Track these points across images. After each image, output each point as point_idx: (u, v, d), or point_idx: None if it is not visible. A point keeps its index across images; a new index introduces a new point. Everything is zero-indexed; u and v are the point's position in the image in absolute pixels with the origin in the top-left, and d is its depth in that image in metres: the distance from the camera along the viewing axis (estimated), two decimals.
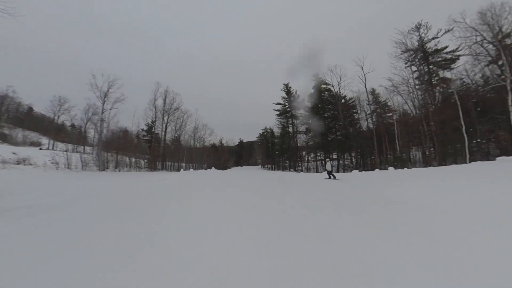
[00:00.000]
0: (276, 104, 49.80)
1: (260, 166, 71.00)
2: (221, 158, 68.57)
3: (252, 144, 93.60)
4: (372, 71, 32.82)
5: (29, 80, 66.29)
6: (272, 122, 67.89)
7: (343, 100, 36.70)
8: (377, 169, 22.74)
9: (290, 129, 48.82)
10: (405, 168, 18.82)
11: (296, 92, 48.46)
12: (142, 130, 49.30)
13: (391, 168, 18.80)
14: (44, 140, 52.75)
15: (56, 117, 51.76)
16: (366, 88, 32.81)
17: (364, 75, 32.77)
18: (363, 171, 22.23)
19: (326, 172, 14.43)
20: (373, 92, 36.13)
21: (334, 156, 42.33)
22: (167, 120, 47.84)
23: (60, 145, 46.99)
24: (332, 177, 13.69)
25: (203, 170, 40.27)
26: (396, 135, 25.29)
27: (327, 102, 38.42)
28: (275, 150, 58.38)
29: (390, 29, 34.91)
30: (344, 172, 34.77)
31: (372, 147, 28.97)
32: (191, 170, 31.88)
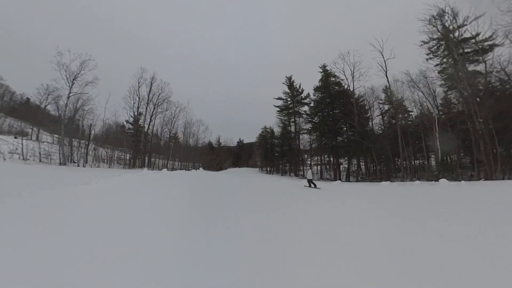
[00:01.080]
0: (277, 99, 44.13)
1: (258, 168, 64.94)
2: (217, 158, 63.06)
3: (252, 145, 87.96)
4: (394, 57, 27.04)
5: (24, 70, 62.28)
6: (274, 121, 63.22)
7: (357, 94, 30.79)
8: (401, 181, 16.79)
9: (292, 128, 43.01)
10: (462, 181, 12.82)
11: (300, 86, 42.78)
12: (127, 122, 44.14)
13: (443, 181, 12.89)
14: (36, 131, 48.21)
15: (42, 106, 46.77)
16: (387, 77, 26.96)
17: (385, 61, 26.97)
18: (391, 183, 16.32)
19: (306, 180, 13.46)
20: (386, 89, 30.32)
21: (334, 160, 36.41)
22: (153, 111, 42.51)
23: (50, 136, 41.95)
24: (312, 185, 12.98)
25: (183, 170, 34.65)
26: (436, 134, 19.37)
27: (337, 96, 32.57)
28: (274, 152, 52.56)
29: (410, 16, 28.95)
30: (352, 181, 28.67)
31: (393, 151, 23.12)
32: (176, 170, 26.78)
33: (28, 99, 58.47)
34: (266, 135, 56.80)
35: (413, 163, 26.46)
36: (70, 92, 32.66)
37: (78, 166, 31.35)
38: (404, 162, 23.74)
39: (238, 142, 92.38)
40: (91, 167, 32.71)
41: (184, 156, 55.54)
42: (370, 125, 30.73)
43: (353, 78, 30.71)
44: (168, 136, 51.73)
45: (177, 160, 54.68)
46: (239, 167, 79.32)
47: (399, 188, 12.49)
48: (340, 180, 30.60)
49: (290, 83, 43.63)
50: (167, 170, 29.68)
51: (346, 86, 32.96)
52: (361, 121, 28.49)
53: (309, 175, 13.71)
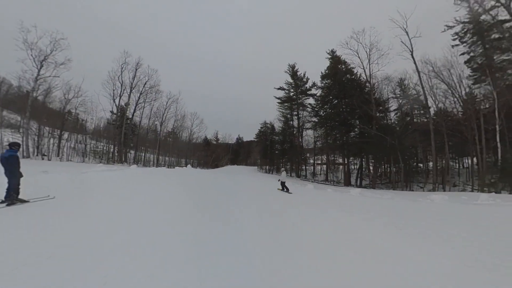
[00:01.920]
0: (278, 89, 39.15)
1: (257, 167, 59.99)
2: (212, 155, 58.48)
3: (252, 143, 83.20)
4: (420, 36, 22.13)
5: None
6: (275, 116, 57.39)
7: (374, 81, 25.72)
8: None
9: (295, 123, 38.11)
10: None
11: (305, 75, 37.78)
12: (112, 112, 39.46)
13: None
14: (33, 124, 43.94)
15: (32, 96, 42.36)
16: (413, 58, 22.06)
17: (410, 39, 22.06)
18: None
19: (280, 182, 11.69)
20: (401, 82, 25.37)
21: (345, 160, 31.58)
22: (138, 100, 37.84)
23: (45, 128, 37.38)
24: (285, 189, 11.37)
25: (164, 168, 30.18)
26: (497, 127, 14.55)
27: (349, 83, 27.60)
28: (274, 149, 47.75)
29: None
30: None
31: (424, 150, 18.30)
32: (162, 166, 22.33)
33: (28, 92, 53.99)
34: (266, 131, 51.94)
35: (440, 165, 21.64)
36: (38, 75, 28.19)
37: (48, 159, 26.94)
38: (439, 164, 18.86)
39: (237, 139, 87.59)
40: (60, 160, 28.31)
41: (176, 151, 50.97)
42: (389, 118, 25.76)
43: (369, 61, 25.75)
44: (159, 129, 47.13)
45: (167, 155, 50.12)
46: (237, 165, 74.46)
47: (479, 211, 7.73)
48: (355, 185, 25.75)
49: (293, 72, 38.67)
50: (137, 166, 25.08)
51: (359, 73, 28.03)
52: (380, 112, 23.52)
53: (282, 177, 12.10)
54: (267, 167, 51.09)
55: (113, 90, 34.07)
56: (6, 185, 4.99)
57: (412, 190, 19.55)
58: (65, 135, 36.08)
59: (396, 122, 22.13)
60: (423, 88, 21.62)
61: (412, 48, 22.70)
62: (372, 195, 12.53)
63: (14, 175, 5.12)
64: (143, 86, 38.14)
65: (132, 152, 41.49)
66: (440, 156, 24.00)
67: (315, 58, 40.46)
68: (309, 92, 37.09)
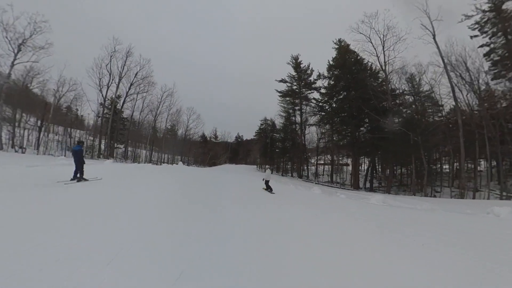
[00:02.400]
0: (280, 81, 36.21)
1: (256, 166, 57.10)
2: (209, 152, 55.78)
3: (251, 141, 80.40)
4: (441, 19, 19.35)
5: None
6: (276, 111, 53.05)
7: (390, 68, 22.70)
8: None
9: (298, 119, 35.28)
10: None
11: (309, 67, 34.86)
12: (101, 104, 36.64)
13: None
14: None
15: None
16: (436, 42, 19.31)
17: (431, 22, 19.28)
18: None
19: (264, 181, 10.74)
20: (411, 78, 22.51)
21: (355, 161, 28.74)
22: (128, 91, 35.06)
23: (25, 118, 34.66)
24: (269, 189, 10.39)
25: (150, 164, 27.62)
26: None
27: (360, 72, 24.73)
28: (274, 148, 44.95)
29: None
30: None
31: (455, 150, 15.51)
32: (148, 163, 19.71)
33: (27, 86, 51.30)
34: (266, 128, 49.14)
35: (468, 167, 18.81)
36: (15, 59, 25.46)
37: (22, 152, 24.21)
38: (469, 166, 16.05)
39: (236, 137, 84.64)
40: (37, 154, 25.63)
41: (170, 148, 48.21)
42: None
43: (383, 47, 22.88)
44: (152, 124, 44.35)
45: (161, 151, 47.39)
46: (236, 164, 71.59)
47: None
48: (363, 188, 22.88)
49: (296, 64, 35.77)
50: (113, 161, 22.34)
51: (370, 63, 25.16)
52: (396, 105, 20.62)
53: (267, 175, 11.21)
54: (267, 166, 48.53)
55: (99, 78, 31.29)
56: (74, 169, 7.36)
57: (434, 196, 16.82)
58: (52, 128, 33.54)
59: (417, 117, 19.28)
60: (449, 76, 18.80)
61: (434, 31, 19.94)
62: (401, 205, 9.76)
63: (80, 163, 7.47)
64: (134, 77, 35.40)
65: (122, 147, 38.82)
66: (457, 157, 21.28)
67: (319, 52, 37.53)
68: (314, 86, 34.22)
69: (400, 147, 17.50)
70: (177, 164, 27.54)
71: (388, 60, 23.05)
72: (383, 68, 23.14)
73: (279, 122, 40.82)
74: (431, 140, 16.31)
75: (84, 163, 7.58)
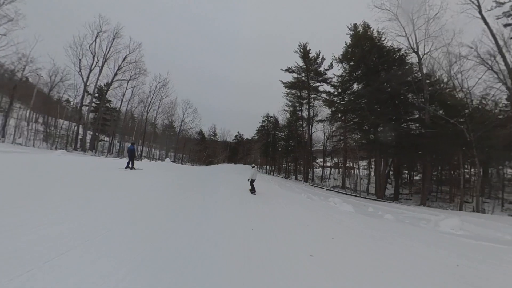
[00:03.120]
0: (286, 70, 31.90)
1: (256, 166, 52.96)
2: (206, 150, 51.63)
3: (252, 141, 76.16)
4: None
5: None
6: (280, 106, 47.15)
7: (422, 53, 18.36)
8: None
9: (305, 113, 31.01)
10: None
11: (319, 55, 30.62)
12: (89, 94, 32.51)
13: None
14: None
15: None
16: (483, 17, 15.24)
17: None
18: None
19: (249, 181, 10.02)
20: (431, 73, 18.22)
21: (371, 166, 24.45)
22: (114, 77, 30.96)
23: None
24: (253, 190, 9.79)
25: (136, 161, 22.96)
26: None
27: (389, 56, 20.45)
28: (276, 147, 40.73)
29: None
30: None
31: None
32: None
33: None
34: (268, 126, 44.99)
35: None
36: None
37: None
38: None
39: (236, 136, 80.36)
40: (2, 142, 21.60)
41: (163, 143, 44.15)
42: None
43: (414, 27, 18.65)
44: (145, 117, 40.28)
45: (152, 147, 43.33)
46: (235, 164, 67.26)
47: None
48: (392, 198, 18.40)
49: (304, 53, 31.52)
50: (61, 152, 18.06)
51: (395, 47, 20.91)
52: (436, 93, 16.25)
53: (252, 174, 9.88)
54: (268, 167, 44.22)
55: (79, 59, 27.18)
56: (127, 161, 11.28)
57: (483, 211, 12.58)
58: (33, 116, 29.59)
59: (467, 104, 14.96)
60: (503, 56, 14.54)
61: (479, 2, 15.79)
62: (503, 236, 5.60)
63: (132, 157, 11.35)
64: (123, 61, 31.35)
65: (106, 139, 34.76)
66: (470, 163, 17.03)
67: (331, 42, 33.26)
68: (325, 76, 30.01)
69: (450, 146, 13.27)
70: (163, 161, 23.34)
71: (418, 43, 18.89)
72: (415, 50, 18.96)
73: (283, 118, 36.67)
74: (492, 137, 11.98)
75: (135, 157, 11.95)
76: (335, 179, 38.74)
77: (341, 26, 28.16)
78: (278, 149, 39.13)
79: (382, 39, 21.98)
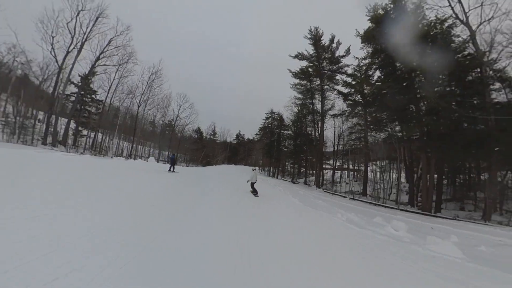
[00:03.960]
0: (295, 57, 27.42)
1: (257, 168, 48.26)
2: (203, 149, 47.29)
3: (253, 141, 71.72)
4: None
5: None
6: (286, 101, 41.69)
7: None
8: None
9: (317, 106, 26.58)
10: None
11: (333, 40, 26.18)
12: (71, 83, 28.09)
13: None
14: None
15: None
16: None
17: None
18: None
19: (249, 183, 10.07)
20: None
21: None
22: (97, 59, 26.75)
23: None
24: (255, 192, 9.81)
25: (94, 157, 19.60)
26: None
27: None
28: (282, 147, 36.32)
29: None
30: None
31: None
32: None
33: None
34: (272, 124, 40.61)
35: None
36: None
37: None
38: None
39: (237, 136, 75.80)
40: None
41: (155, 140, 39.89)
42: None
43: None
44: (134, 111, 36.04)
45: (143, 144, 39.07)
46: (235, 164, 62.64)
47: None
48: (439, 210, 13.80)
49: (316, 38, 27.20)
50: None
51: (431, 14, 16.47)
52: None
53: (252, 176, 10.17)
54: (271, 168, 39.85)
55: (52, 36, 22.97)
56: (169, 166, 13.80)
57: None
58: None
59: None
60: None
61: None
62: None
63: (173, 164, 13.99)
64: (108, 44, 27.17)
65: (88, 134, 30.46)
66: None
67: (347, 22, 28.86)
68: (340, 63, 25.66)
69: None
70: (146, 161, 19.03)
71: (468, 13, 14.54)
72: (464, 21, 14.61)
73: (290, 114, 32.24)
74: None
75: (176, 163, 15.61)
76: (346, 183, 34.32)
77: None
78: (283, 149, 34.72)
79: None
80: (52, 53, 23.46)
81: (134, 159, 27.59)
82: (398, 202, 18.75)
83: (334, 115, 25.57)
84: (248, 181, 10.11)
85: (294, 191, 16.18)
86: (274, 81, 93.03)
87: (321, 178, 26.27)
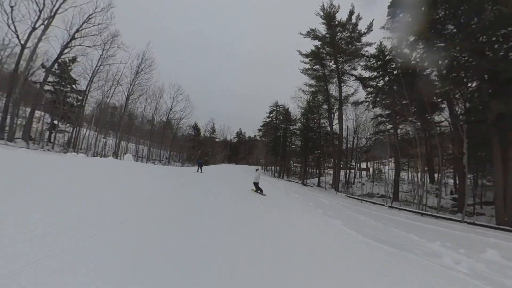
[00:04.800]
0: (306, 34, 22.93)
1: (260, 167, 43.89)
2: (200, 147, 42.89)
3: (255, 140, 67.60)
4: None
5: None
6: (294, 91, 36.83)
7: None
8: None
9: (334, 91, 22.22)
10: None
11: (352, 15, 21.78)
12: (44, 68, 23.78)
13: None
14: None
15: None
16: None
17: None
18: None
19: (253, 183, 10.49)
20: None
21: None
22: (71, 41, 22.43)
23: None
24: (259, 191, 10.25)
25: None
26: None
27: None
28: (287, 143, 32.08)
29: None
30: None
31: None
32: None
33: None
34: (277, 118, 36.33)
35: None
36: None
37: None
38: None
39: (238, 133, 71.64)
40: None
41: (144, 136, 35.53)
42: None
43: None
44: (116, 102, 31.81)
45: (132, 141, 34.71)
46: (236, 164, 58.30)
47: None
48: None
49: (329, 17, 22.79)
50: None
51: None
52: None
53: (256, 177, 10.56)
54: (274, 168, 35.64)
55: (11, 6, 18.56)
56: (197, 168, 18.10)
57: None
58: None
59: None
60: None
61: None
62: None
63: (201, 166, 18.41)
64: (85, 21, 22.85)
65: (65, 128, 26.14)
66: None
67: None
68: (361, 43, 21.31)
69: None
70: (122, 159, 14.76)
71: None
72: None
73: (296, 106, 27.84)
74: None
75: (202, 165, 18.99)
76: (362, 184, 30.07)
77: None
78: (290, 146, 30.41)
79: None
80: (13, 29, 19.13)
81: (118, 158, 23.37)
82: (438, 208, 14.54)
83: (355, 103, 21.13)
84: (254, 182, 10.51)
85: (314, 199, 11.94)
86: (273, 81, 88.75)
87: (337, 181, 21.90)
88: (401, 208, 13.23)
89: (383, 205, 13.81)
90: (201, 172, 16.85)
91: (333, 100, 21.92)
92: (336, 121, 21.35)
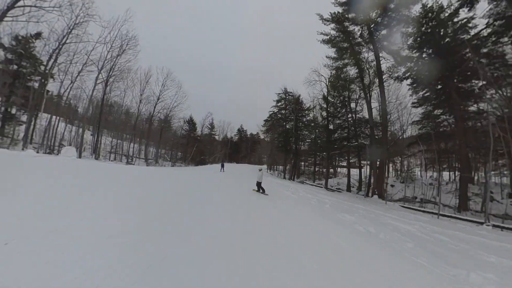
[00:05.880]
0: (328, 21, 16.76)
1: (263, 167, 37.65)
2: (195, 144, 36.92)
3: (258, 137, 61.85)
4: None
5: None
6: (305, 75, 29.93)
7: None
8: None
9: (369, 66, 16.33)
10: None
11: None
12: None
13: None
14: None
15: None
16: None
17: None
18: None
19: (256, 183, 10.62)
20: None
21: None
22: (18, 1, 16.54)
23: None
24: (261, 190, 10.35)
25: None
26: None
27: None
28: (302, 138, 26.30)
29: None
30: None
31: None
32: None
33: None
34: (286, 107, 30.47)
35: None
36: None
37: None
38: None
39: (239, 130, 65.69)
40: None
41: (120, 130, 29.61)
42: None
43: None
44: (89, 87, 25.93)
45: (113, 136, 28.85)
46: (237, 163, 52.21)
47: None
48: None
49: None
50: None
51: None
52: None
53: (259, 177, 10.67)
54: (286, 167, 29.81)
55: None
56: (220, 168, 20.96)
57: None
58: None
59: None
60: None
61: None
62: None
63: (223, 167, 21.05)
64: None
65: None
66: None
67: None
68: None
69: None
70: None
71: None
72: None
73: (310, 92, 21.97)
74: None
75: (224, 166, 21.20)
76: (392, 185, 24.35)
77: None
78: (305, 140, 24.63)
79: None
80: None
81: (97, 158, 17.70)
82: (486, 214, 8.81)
83: (397, 78, 15.12)
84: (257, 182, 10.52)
85: (384, 225, 6.25)
86: (272, 79, 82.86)
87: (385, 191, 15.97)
88: (507, 226, 7.44)
89: (475, 221, 7.89)
90: (223, 171, 19.65)
91: (366, 74, 16.04)
92: (374, 103, 15.67)
